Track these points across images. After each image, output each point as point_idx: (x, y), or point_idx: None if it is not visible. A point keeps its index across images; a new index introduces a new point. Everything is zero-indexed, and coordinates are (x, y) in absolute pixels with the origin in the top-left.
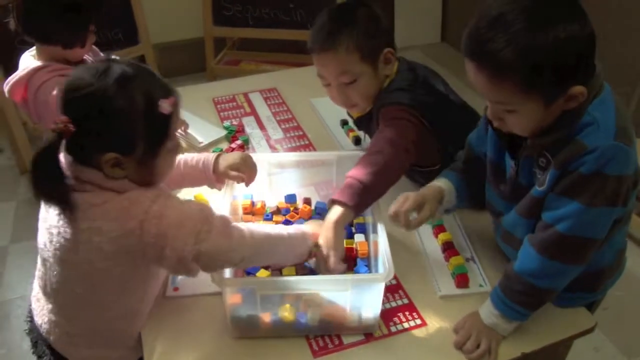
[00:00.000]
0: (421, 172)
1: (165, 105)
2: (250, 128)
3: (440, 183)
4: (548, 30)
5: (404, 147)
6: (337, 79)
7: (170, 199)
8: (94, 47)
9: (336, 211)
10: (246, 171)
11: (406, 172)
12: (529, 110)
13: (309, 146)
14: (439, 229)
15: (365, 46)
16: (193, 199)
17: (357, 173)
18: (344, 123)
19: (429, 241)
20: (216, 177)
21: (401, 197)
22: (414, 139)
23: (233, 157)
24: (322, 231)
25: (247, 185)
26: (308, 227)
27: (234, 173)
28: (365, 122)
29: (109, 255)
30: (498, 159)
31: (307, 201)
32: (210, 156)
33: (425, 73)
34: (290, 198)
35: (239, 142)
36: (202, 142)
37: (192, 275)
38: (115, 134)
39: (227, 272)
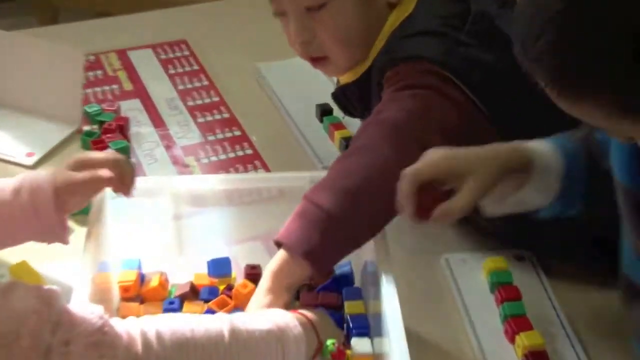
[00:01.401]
0: None
1: None
2: (134, 123)
3: (533, 144)
4: None
5: (416, 141)
6: (298, 0)
7: None
8: None
9: (277, 258)
10: (115, 169)
11: None
12: None
13: (253, 159)
14: (505, 293)
15: None
16: (7, 274)
17: (321, 191)
18: (324, 112)
19: (494, 347)
20: (58, 215)
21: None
22: (444, 128)
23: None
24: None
25: (126, 194)
26: (290, 317)
27: (83, 174)
28: (356, 96)
29: None
30: None
31: (251, 272)
32: (39, 176)
33: (485, 7)
34: (219, 266)
35: (110, 151)
36: (33, 154)
37: None
38: None
39: None
